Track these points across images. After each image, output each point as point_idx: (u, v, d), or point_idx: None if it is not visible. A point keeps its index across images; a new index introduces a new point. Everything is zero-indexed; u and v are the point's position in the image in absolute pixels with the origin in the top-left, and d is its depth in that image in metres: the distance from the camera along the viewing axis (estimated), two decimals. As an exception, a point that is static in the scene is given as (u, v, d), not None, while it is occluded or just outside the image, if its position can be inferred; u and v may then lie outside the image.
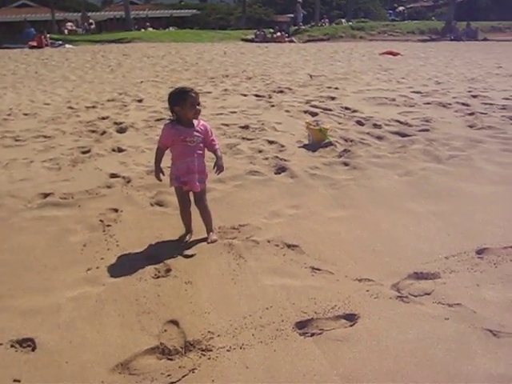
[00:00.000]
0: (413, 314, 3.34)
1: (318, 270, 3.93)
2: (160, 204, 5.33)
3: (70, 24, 47.93)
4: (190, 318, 3.34)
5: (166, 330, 3.25)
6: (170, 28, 50.89)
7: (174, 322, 3.32)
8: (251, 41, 37.81)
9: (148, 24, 49.75)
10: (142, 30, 46.71)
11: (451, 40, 37.01)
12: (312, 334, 3.17)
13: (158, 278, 3.88)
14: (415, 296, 3.56)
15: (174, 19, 62.28)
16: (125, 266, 4.05)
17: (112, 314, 3.43)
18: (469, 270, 3.88)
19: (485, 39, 37.34)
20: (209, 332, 3.19)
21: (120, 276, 3.89)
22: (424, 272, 3.86)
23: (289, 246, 4.32)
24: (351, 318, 3.33)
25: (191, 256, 4.19)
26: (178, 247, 4.35)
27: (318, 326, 3.25)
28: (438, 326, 3.21)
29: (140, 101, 11.23)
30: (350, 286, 3.69)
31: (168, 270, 3.97)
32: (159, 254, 4.23)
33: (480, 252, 4.16)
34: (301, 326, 3.26)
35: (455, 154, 6.74)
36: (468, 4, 62.67)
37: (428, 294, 3.58)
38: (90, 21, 48.04)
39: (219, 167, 4.60)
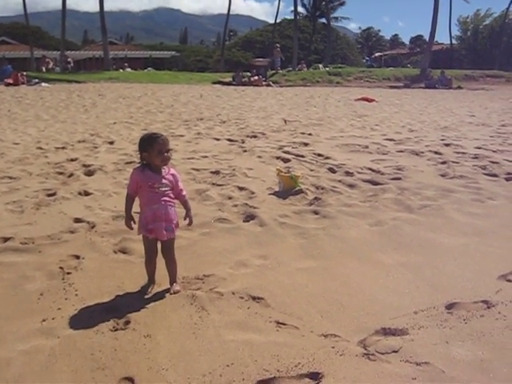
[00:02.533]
0: (379, 373, 3.21)
1: (283, 324, 3.79)
2: (124, 251, 5.17)
3: (48, 60, 47.92)
4: (147, 375, 3.17)
5: (120, 388, 3.07)
6: (149, 69, 51.25)
7: (129, 380, 3.14)
8: (229, 84, 38.11)
9: (126, 64, 50.03)
10: (120, 70, 46.93)
11: (426, 87, 37.64)
12: (273, 396, 3.03)
13: (117, 330, 3.70)
14: (382, 353, 3.42)
15: (153, 60, 62.83)
16: (82, 317, 3.87)
17: (65, 369, 3.24)
18: (438, 326, 3.76)
19: (459, 87, 38.15)
20: (165, 391, 3.02)
21: (76, 328, 3.71)
22: (392, 328, 3.73)
23: (254, 299, 4.17)
24: (315, 376, 3.18)
25: (152, 308, 4.02)
26: (139, 298, 4.18)
27: (280, 386, 3.09)
28: (404, 386, 3.06)
29: (111, 143, 11.12)
30: (316, 343, 3.55)
31: (127, 323, 3.80)
32: (119, 304, 4.06)
33: (449, 307, 4.05)
34: (262, 385, 3.10)
35: (427, 204, 6.70)
36: (443, 53, 64.27)
37: (395, 352, 3.45)
38: (68, 59, 48.04)
39: (190, 220, 4.47)
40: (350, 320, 3.86)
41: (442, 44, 71.67)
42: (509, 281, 4.54)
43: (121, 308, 4.00)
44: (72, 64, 50.06)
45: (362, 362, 3.32)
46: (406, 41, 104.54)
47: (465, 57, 66.08)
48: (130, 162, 8.88)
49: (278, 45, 49.94)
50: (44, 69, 45.03)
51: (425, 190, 7.33)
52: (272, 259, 5.00)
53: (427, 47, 49.04)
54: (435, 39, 52.93)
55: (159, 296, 4.23)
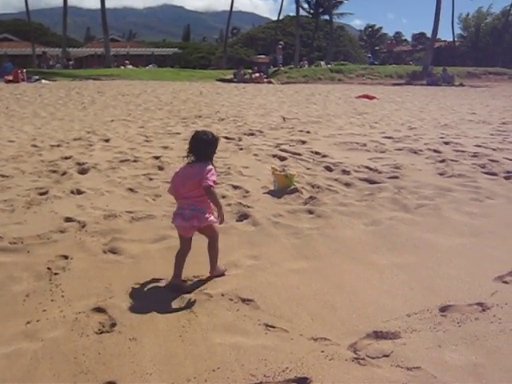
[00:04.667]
0: (369, 378, 3.13)
1: (272, 327, 3.71)
2: (113, 251, 5.07)
3: (49, 56, 47.87)
4: (130, 380, 3.10)
5: (102, 394, 2.99)
6: (150, 66, 51.17)
7: (113, 384, 3.06)
8: (230, 81, 38.06)
9: (127, 61, 49.96)
10: (122, 67, 46.86)
11: (428, 85, 37.49)
12: (259, 401, 2.95)
13: (102, 333, 3.62)
14: (373, 358, 3.34)
15: (156, 57, 62.74)
16: (68, 319, 3.79)
17: (47, 373, 3.17)
18: (431, 330, 3.67)
19: (461, 84, 37.97)
20: (148, 397, 2.95)
21: (61, 331, 3.63)
22: (384, 331, 3.64)
23: (243, 301, 4.09)
24: (303, 382, 3.10)
25: (139, 310, 3.93)
26: (127, 300, 4.10)
27: (267, 392, 3.01)
28: (394, 393, 2.98)
29: (107, 140, 11.02)
30: (305, 346, 3.46)
31: (113, 325, 3.72)
32: (106, 306, 3.97)
33: (443, 309, 3.96)
34: (248, 390, 3.02)
35: (424, 203, 6.60)
36: (445, 50, 64.13)
37: (386, 356, 3.36)
38: (69, 57, 48.02)
39: None
40: (341, 323, 3.77)
41: (445, 41, 71.50)
42: (505, 282, 4.45)
43: (107, 310, 3.92)
44: (73, 61, 50.08)
45: (352, 367, 3.24)
46: (409, 38, 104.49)
47: (467, 54, 65.92)
48: (125, 160, 8.81)
49: (281, 43, 49.77)
50: (45, 66, 44.97)
51: (422, 189, 7.23)
52: (264, 260, 4.91)
53: (429, 44, 48.94)
54: (438, 36, 52.75)
55: (148, 297, 4.15)
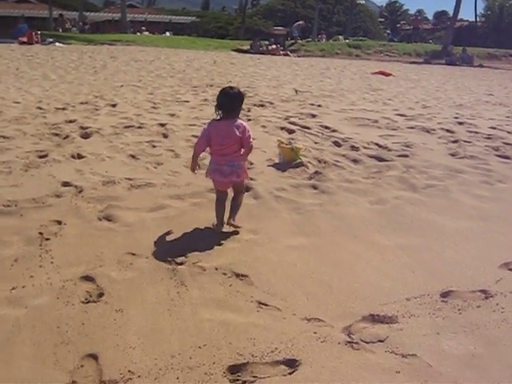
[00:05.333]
0: (361, 364, 3.00)
1: (265, 305, 3.57)
2: (108, 219, 4.92)
3: (65, 19, 47.52)
4: (112, 353, 2.98)
5: (82, 366, 2.88)
6: (167, 33, 50.77)
7: (93, 357, 2.96)
8: (246, 51, 37.68)
9: (144, 28, 49.64)
10: (138, 33, 46.55)
11: (446, 64, 36.98)
12: (244, 382, 2.81)
13: (88, 302, 3.51)
14: (367, 342, 3.20)
15: (173, 25, 62.22)
16: (54, 286, 3.67)
17: (27, 342, 3.06)
18: (430, 316, 3.53)
19: (480, 65, 37.42)
20: (129, 371, 2.83)
21: (46, 298, 3.51)
22: (380, 315, 3.50)
23: (237, 276, 3.95)
24: (291, 364, 2.97)
25: (129, 280, 3.81)
26: (117, 269, 3.97)
27: (253, 372, 2.89)
28: (386, 380, 2.86)
29: (114, 105, 10.82)
30: (297, 326, 3.33)
31: (100, 295, 3.60)
32: (95, 275, 3.85)
33: (445, 295, 3.81)
34: (234, 370, 2.90)
35: (432, 184, 6.41)
36: (467, 30, 63.20)
37: (381, 341, 3.23)
38: (86, 21, 47.67)
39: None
40: (336, 304, 3.64)
41: (467, 21, 70.42)
42: (511, 270, 4.28)
43: (96, 279, 3.80)
44: (89, 25, 49.75)
45: (344, 351, 3.11)
46: (430, 16, 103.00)
47: (489, 35, 64.88)
48: (129, 126, 8.64)
49: (300, 23, 48.91)
50: (60, 29, 44.67)
51: (432, 169, 7.02)
52: (262, 234, 4.75)
53: (450, 23, 48.13)
54: (459, 16, 51.89)
55: (139, 268, 4.01)
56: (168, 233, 4.64)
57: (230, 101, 4.51)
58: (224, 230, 4.74)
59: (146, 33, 47.88)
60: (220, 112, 4.53)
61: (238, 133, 4.48)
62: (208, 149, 4.71)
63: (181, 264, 4.08)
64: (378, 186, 6.25)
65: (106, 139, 7.88)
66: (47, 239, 4.43)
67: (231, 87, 4.62)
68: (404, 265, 4.28)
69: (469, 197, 6.07)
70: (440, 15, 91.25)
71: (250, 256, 4.30)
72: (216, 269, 4.03)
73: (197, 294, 3.67)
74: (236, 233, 4.71)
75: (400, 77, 23.04)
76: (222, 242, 4.53)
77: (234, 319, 3.38)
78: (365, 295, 3.76)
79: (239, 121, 4.56)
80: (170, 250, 4.32)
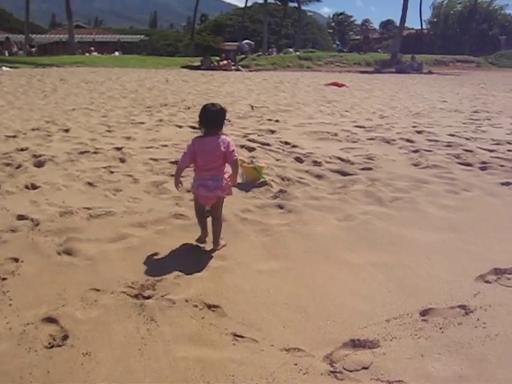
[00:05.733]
0: (347, 394, 2.83)
1: (241, 337, 3.39)
2: (68, 253, 4.65)
3: (12, 43, 46.83)
4: (82, 403, 2.75)
5: (50, 420, 2.66)
6: (116, 53, 50.46)
7: (61, 409, 2.72)
8: (197, 68, 37.64)
9: (92, 48, 49.26)
10: (87, 54, 46.15)
11: (396, 72, 37.60)
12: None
13: (52, 347, 3.26)
14: (351, 371, 3.06)
15: (122, 44, 61.92)
16: (14, 332, 3.41)
17: (-14, 396, 2.80)
18: (412, 337, 3.40)
19: (429, 72, 38.29)
20: (102, 422, 2.62)
21: (6, 345, 3.25)
22: (361, 339, 3.36)
23: (209, 307, 3.75)
24: (274, 402, 2.79)
25: (95, 319, 3.57)
26: (81, 307, 3.73)
27: (236, 414, 2.71)
28: (375, 411, 2.70)
29: (67, 130, 10.48)
30: (276, 359, 3.16)
31: (65, 337, 3.35)
32: (58, 316, 3.59)
33: (424, 313, 3.70)
34: (215, 412, 2.71)
35: (399, 196, 6.34)
36: (414, 37, 64.51)
37: (365, 369, 3.09)
38: (33, 43, 47.00)
39: None
40: (315, 330, 3.48)
41: (412, 29, 71.82)
42: (487, 282, 4.22)
43: (59, 320, 3.54)
44: (36, 48, 49.06)
45: (328, 382, 2.96)
46: (377, 26, 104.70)
47: (435, 42, 66.28)
48: (84, 152, 8.35)
49: (249, 42, 49.06)
50: (7, 53, 43.93)
51: (396, 181, 6.97)
52: (231, 260, 4.57)
53: (398, 32, 49.03)
54: (405, 24, 52.85)
55: (104, 305, 3.77)
56: (132, 264, 4.42)
57: (212, 117, 4.63)
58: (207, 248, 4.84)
59: (95, 53, 47.61)
60: (203, 129, 4.66)
61: (222, 148, 4.58)
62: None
63: (148, 298, 3.87)
64: (344, 202, 6.14)
65: (60, 167, 7.56)
66: (4, 279, 4.15)
67: (213, 104, 4.72)
68: (379, 284, 4.16)
69: (436, 207, 6.01)
70: (386, 24, 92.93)
71: (221, 285, 4.12)
72: (186, 301, 3.83)
73: (168, 330, 3.46)
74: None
75: (353, 87, 23.25)
76: (190, 270, 4.32)
77: (209, 355, 3.19)
78: (343, 319, 3.62)
79: (223, 136, 4.66)
80: (136, 282, 4.10)
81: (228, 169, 4.74)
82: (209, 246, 4.83)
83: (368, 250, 4.81)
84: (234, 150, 4.67)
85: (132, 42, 65.79)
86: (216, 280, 4.20)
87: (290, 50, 50.61)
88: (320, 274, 4.33)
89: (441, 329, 3.50)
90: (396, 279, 4.23)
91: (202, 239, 4.92)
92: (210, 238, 4.94)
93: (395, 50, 45.08)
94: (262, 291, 4.02)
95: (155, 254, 4.66)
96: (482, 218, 5.69)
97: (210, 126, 4.63)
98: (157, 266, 4.39)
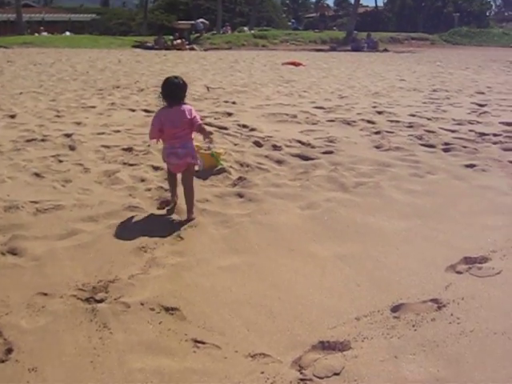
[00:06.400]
0: (319, 405, 2.62)
1: (202, 343, 3.13)
2: (13, 252, 4.30)
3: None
4: (26, 428, 2.46)
5: None
6: (67, 33, 49.27)
7: None
8: (150, 48, 36.98)
9: (42, 28, 48.02)
10: (36, 34, 44.94)
11: (352, 50, 37.60)
12: None
13: (-6, 363, 2.93)
14: (321, 378, 2.84)
15: (73, 24, 60.47)
16: (-49, 347, 3.08)
17: None
18: (384, 336, 3.20)
19: (385, 50, 38.40)
20: None
21: None
22: (331, 341, 3.15)
23: (167, 310, 3.48)
24: (240, 417, 2.56)
25: (42, 328, 3.26)
26: (27, 315, 3.41)
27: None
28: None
29: (13, 116, 9.97)
30: (241, 367, 2.92)
31: (9, 351, 3.05)
32: (1, 326, 3.28)
33: (395, 309, 3.51)
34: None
35: (362, 181, 6.13)
36: (370, 15, 64.75)
37: (337, 374, 2.87)
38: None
39: None
40: (281, 332, 3.25)
41: (367, 6, 72.01)
42: (458, 272, 4.05)
43: (3, 331, 3.23)
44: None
45: (298, 392, 2.71)
46: (331, 3, 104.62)
47: (391, 20, 66.59)
48: (31, 140, 7.91)
49: (203, 21, 48.39)
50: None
51: (359, 165, 6.75)
52: (190, 256, 4.30)
53: (354, 10, 49.00)
54: (360, 2, 52.88)
55: (53, 311, 3.46)
56: (83, 264, 4.11)
57: (175, 90, 4.92)
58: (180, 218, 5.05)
59: (45, 33, 46.38)
60: (167, 101, 4.94)
61: (187, 115, 4.86)
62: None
63: (101, 301, 3.58)
64: (306, 189, 5.90)
65: (5, 156, 7.11)
66: None
67: (175, 77, 5.02)
68: (347, 278, 3.95)
69: (401, 192, 5.83)
70: (341, 2, 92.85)
71: (179, 284, 3.85)
72: (142, 304, 3.55)
73: (122, 337, 3.19)
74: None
75: (310, 66, 23.05)
76: (146, 268, 4.05)
77: (168, 365, 2.93)
78: (310, 319, 3.40)
79: (185, 105, 4.94)
80: (86, 284, 3.80)
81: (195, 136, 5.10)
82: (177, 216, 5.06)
83: (334, 241, 4.60)
84: (195, 116, 4.90)
85: (83, 22, 64.31)
86: (174, 279, 3.94)
87: (245, 28, 50.11)
88: (284, 268, 4.10)
89: (413, 326, 3.32)
90: (364, 272, 4.03)
91: (170, 203, 5.28)
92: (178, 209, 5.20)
93: (351, 28, 45.03)
94: (223, 290, 3.77)
95: (107, 251, 4.35)
96: (448, 203, 5.54)
97: (173, 97, 4.90)
98: (109, 265, 4.10)
